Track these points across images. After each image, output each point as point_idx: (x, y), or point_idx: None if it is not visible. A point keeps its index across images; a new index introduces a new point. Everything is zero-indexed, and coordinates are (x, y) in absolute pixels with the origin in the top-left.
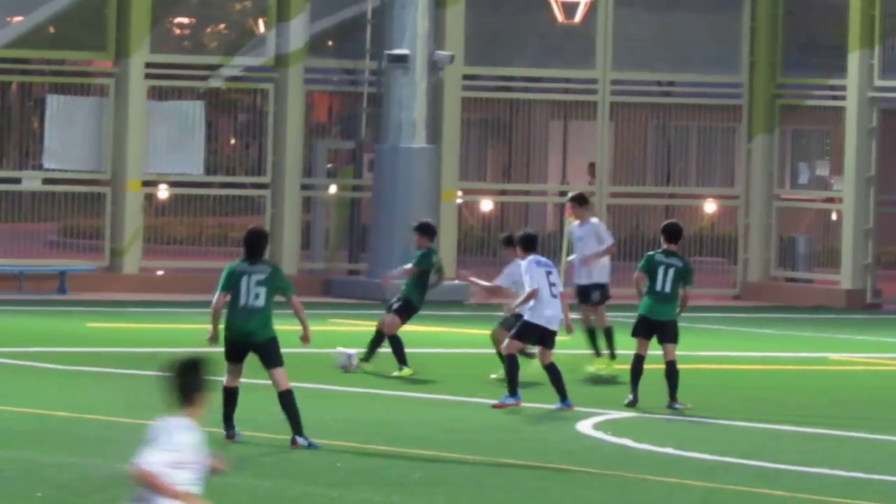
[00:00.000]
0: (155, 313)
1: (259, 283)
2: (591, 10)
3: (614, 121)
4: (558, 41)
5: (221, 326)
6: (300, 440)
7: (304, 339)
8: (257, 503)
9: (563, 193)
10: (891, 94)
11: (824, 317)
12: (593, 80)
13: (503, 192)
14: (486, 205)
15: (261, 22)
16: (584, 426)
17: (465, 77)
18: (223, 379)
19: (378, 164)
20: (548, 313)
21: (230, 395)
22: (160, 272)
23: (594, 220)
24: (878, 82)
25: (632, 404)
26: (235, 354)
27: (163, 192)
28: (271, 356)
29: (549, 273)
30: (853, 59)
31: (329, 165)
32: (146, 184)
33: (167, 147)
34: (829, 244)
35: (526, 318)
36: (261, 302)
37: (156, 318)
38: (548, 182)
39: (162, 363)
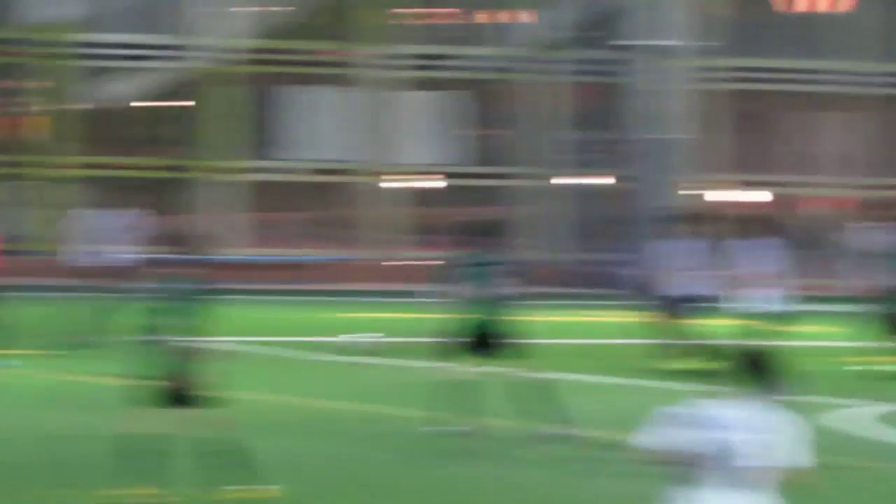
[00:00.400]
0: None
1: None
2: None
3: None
4: (810, 30)
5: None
6: None
7: None
8: None
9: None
10: None
11: None
12: (859, 73)
13: (762, 183)
14: (747, 197)
15: (513, 12)
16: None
17: (730, 69)
18: None
19: (631, 156)
20: None
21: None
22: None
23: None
24: None
25: None
26: None
27: (412, 184)
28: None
29: None
30: None
31: (582, 156)
32: (396, 174)
33: (414, 138)
34: None
35: None
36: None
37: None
38: (818, 175)
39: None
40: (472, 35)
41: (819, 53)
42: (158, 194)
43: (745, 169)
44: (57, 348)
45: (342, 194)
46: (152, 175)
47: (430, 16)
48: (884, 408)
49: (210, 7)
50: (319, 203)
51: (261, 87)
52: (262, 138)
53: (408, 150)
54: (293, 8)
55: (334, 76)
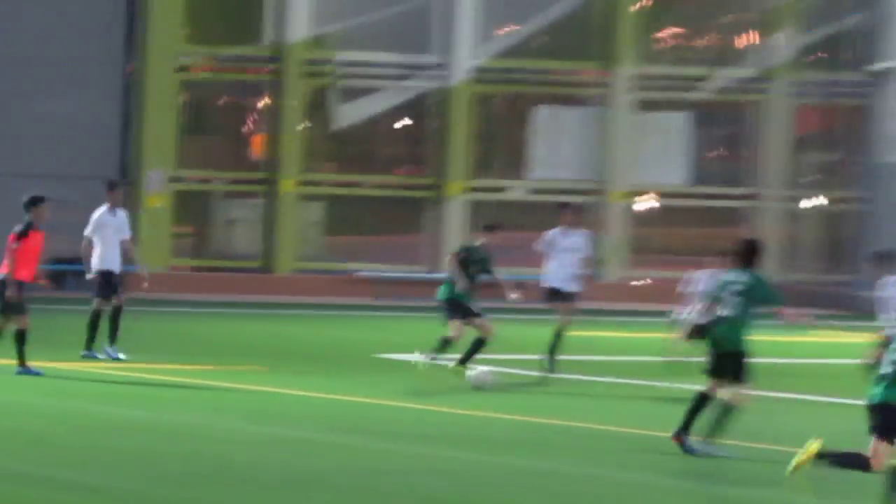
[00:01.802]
0: (637, 322)
1: (737, 293)
2: None
3: None
4: None
5: None
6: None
7: None
8: None
9: None
10: None
11: None
12: None
13: None
14: None
15: (748, 34)
16: None
17: None
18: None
19: (865, 177)
20: None
21: (702, 401)
22: (639, 281)
23: None
24: None
25: None
26: (714, 368)
27: (649, 202)
28: (739, 368)
29: None
30: None
31: (811, 177)
32: (632, 193)
33: (653, 158)
34: None
35: None
36: (737, 312)
37: (637, 327)
38: None
39: None
40: (725, 56)
41: None
42: (412, 212)
43: None
44: None
45: (588, 212)
46: (406, 194)
47: (685, 38)
48: None
49: (468, 26)
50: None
51: (518, 106)
52: (518, 157)
53: (656, 170)
54: (534, 28)
55: (588, 96)
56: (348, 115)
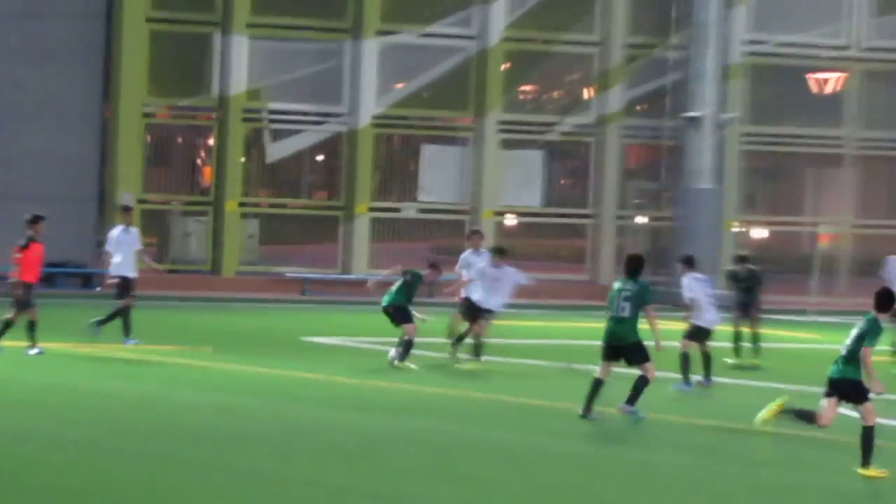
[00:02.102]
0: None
1: (626, 298)
2: (841, 84)
3: (858, 169)
4: (816, 107)
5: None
6: (627, 408)
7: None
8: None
9: (815, 225)
10: None
11: None
12: (841, 137)
13: (769, 223)
14: (758, 232)
15: (588, 89)
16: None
17: (744, 135)
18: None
19: (676, 200)
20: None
21: (598, 384)
22: None
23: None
24: None
25: None
26: (607, 354)
27: (510, 220)
28: (638, 355)
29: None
30: None
31: (636, 200)
32: (497, 213)
33: (514, 185)
34: None
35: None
36: (626, 313)
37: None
38: (805, 215)
39: None
40: (570, 106)
41: (816, 123)
42: (328, 227)
43: (764, 212)
44: None
45: (458, 228)
46: (323, 213)
47: (539, 92)
48: None
49: (370, 83)
50: (442, 233)
51: (409, 144)
52: (410, 184)
53: (517, 194)
54: (419, 84)
55: (463, 137)
56: (277, 151)
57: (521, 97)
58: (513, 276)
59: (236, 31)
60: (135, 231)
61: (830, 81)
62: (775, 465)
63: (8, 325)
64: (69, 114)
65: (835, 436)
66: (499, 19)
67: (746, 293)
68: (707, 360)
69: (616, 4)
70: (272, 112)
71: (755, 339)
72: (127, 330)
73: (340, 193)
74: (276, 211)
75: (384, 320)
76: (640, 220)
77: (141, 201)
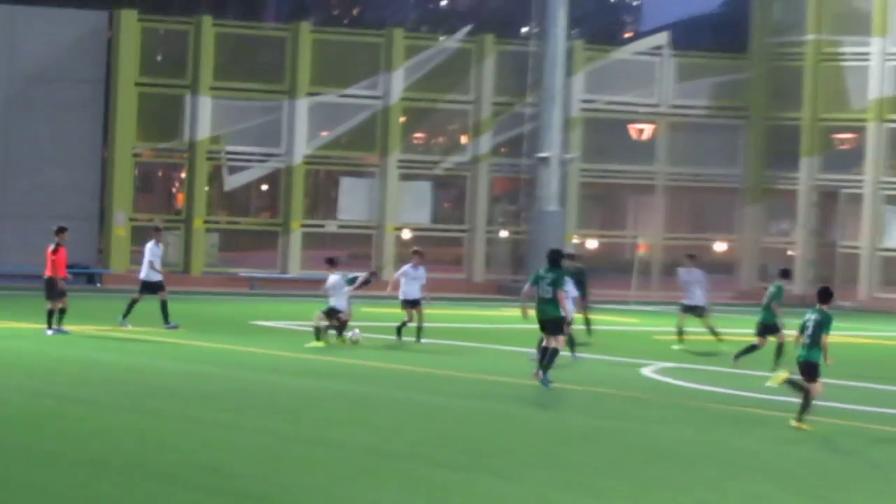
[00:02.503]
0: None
1: (548, 284)
2: (653, 132)
3: (666, 196)
4: (634, 149)
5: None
6: (542, 375)
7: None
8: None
9: (635, 237)
10: (826, 183)
11: (784, 310)
12: (654, 172)
13: (601, 236)
14: (591, 243)
15: (465, 135)
16: (646, 371)
17: (581, 169)
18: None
19: (530, 219)
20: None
21: (543, 351)
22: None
23: (696, 269)
24: (818, 175)
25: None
26: (541, 328)
27: (406, 234)
28: (556, 328)
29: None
30: (804, 162)
31: (501, 219)
32: (396, 228)
33: (409, 207)
34: (788, 268)
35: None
36: (549, 294)
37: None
38: (627, 230)
39: None
40: (452, 149)
41: (638, 161)
42: (271, 239)
43: (596, 228)
44: None
45: (367, 239)
46: (268, 228)
47: (428, 137)
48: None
49: (302, 130)
50: (355, 244)
51: (331, 177)
52: (332, 207)
53: (412, 214)
54: (339, 132)
55: (372, 171)
56: (232, 182)
57: (415, 142)
58: (424, 274)
59: (202, 93)
60: (161, 246)
61: (645, 130)
62: (614, 418)
63: (63, 312)
64: (77, 154)
65: (706, 403)
66: (398, 84)
67: (576, 286)
68: (570, 340)
69: (486, 72)
70: (229, 153)
71: (587, 322)
72: (165, 316)
73: (280, 213)
74: (231, 226)
75: (313, 308)
76: (504, 233)
77: (131, 219)
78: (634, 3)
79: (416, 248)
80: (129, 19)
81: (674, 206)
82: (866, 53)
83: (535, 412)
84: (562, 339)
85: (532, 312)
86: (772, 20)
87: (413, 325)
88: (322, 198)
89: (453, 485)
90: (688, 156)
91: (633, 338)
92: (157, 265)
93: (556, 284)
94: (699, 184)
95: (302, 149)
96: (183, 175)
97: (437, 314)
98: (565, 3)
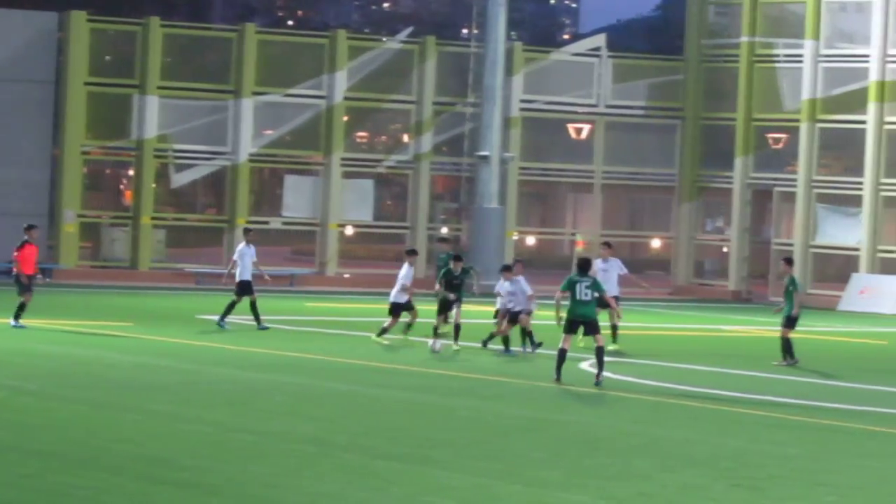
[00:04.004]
0: (346, 298)
1: (587, 287)
2: (591, 132)
3: (603, 194)
4: (572, 148)
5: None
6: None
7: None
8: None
9: (573, 234)
10: (760, 181)
11: (719, 305)
12: (592, 171)
13: (540, 233)
14: (530, 240)
15: (407, 135)
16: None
17: (520, 168)
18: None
19: (471, 216)
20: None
21: (563, 354)
22: (346, 275)
23: (614, 259)
24: (752, 174)
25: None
26: (572, 328)
27: (349, 230)
28: (595, 328)
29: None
30: (738, 161)
31: (442, 216)
32: (340, 225)
33: (352, 205)
34: (723, 265)
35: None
36: (588, 297)
37: (346, 300)
38: (565, 228)
39: None
40: (394, 148)
41: (576, 160)
42: (216, 235)
43: (535, 224)
44: None
45: (311, 236)
46: (213, 224)
47: (371, 137)
48: None
49: (247, 129)
50: (299, 240)
51: (276, 175)
52: (276, 204)
53: (355, 212)
54: (284, 131)
55: (316, 169)
56: (179, 179)
57: (358, 141)
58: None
59: (150, 92)
60: (253, 248)
61: (583, 130)
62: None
63: (22, 307)
64: (28, 153)
65: (643, 396)
66: (341, 84)
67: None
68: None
69: (427, 73)
70: (176, 151)
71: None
72: (257, 320)
73: (225, 210)
74: (178, 223)
75: (259, 304)
76: (445, 230)
77: (80, 216)
78: (572, 6)
79: (410, 248)
80: (79, 20)
81: (611, 204)
82: (799, 56)
83: (474, 404)
84: (600, 336)
85: (563, 314)
86: (706, 23)
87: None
88: (267, 195)
89: (395, 475)
90: (625, 155)
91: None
92: (249, 266)
93: (596, 288)
94: (636, 182)
95: (247, 147)
96: (131, 173)
97: (380, 309)
98: (505, 5)
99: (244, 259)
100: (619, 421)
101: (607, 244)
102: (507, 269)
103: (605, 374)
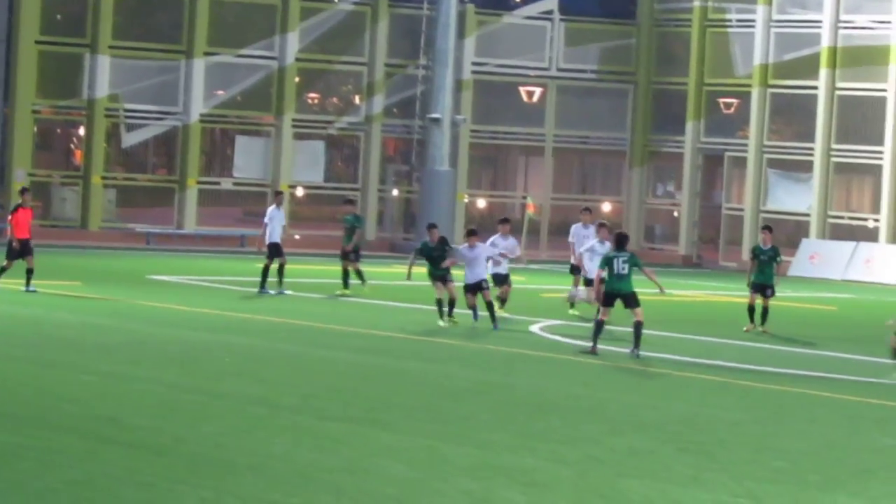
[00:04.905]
0: (296, 259)
1: (624, 262)
2: (542, 96)
3: (555, 158)
4: (524, 112)
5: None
6: (637, 352)
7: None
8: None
9: (524, 198)
10: (711, 146)
11: (669, 270)
12: (543, 134)
13: (491, 196)
14: (481, 203)
15: (358, 97)
16: (535, 328)
17: (472, 131)
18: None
19: (422, 179)
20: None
21: (600, 325)
22: (297, 236)
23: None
24: (703, 139)
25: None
26: (609, 301)
27: (300, 192)
28: (634, 301)
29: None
30: (689, 126)
31: (394, 178)
32: (291, 186)
33: (303, 166)
34: (673, 229)
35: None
36: (626, 271)
37: (296, 261)
38: (516, 191)
39: None
40: (345, 109)
41: (528, 124)
42: (167, 195)
43: (485, 187)
44: None
45: (262, 197)
46: (164, 185)
47: (322, 98)
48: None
49: (199, 89)
50: (249, 202)
51: (227, 135)
52: (227, 165)
53: (305, 173)
54: (235, 91)
55: (267, 131)
56: (130, 139)
57: (309, 102)
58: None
59: (101, 52)
60: (283, 210)
61: (535, 93)
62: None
63: (3, 270)
64: None
65: (591, 360)
66: (293, 45)
67: (348, 235)
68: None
69: (379, 35)
70: (127, 111)
71: (358, 274)
72: (279, 280)
73: (176, 171)
74: (129, 183)
75: (208, 263)
76: (395, 192)
77: (31, 175)
78: None
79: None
80: None
81: (562, 168)
82: (751, 20)
83: (424, 367)
84: (640, 310)
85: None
86: None
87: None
88: (217, 156)
89: (343, 436)
90: (576, 119)
91: (522, 295)
92: (279, 229)
93: (634, 262)
94: (587, 146)
95: (198, 108)
96: (81, 132)
97: (330, 270)
98: None
99: (273, 222)
100: (569, 384)
101: (588, 210)
102: (471, 235)
103: (557, 337)
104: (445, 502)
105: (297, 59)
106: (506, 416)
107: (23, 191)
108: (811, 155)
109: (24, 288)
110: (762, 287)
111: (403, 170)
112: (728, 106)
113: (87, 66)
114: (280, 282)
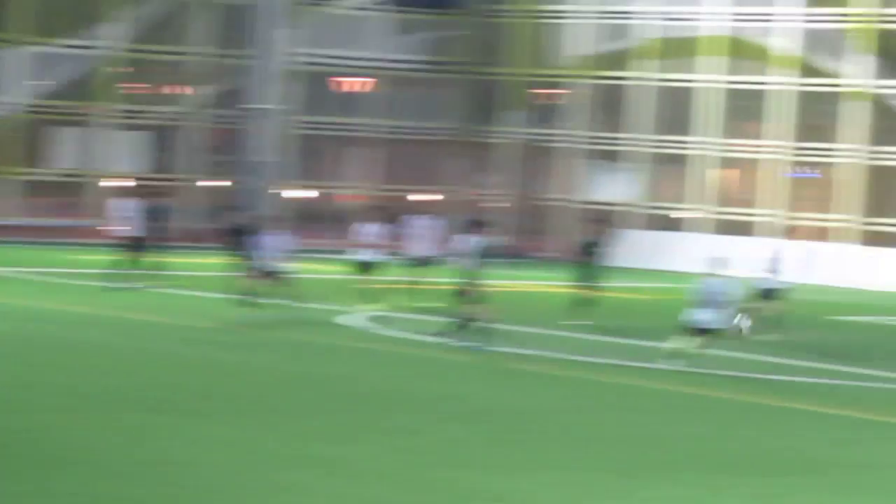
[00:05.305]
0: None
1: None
2: (370, 86)
3: (380, 148)
4: (347, 103)
5: None
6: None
7: None
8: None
9: (349, 189)
10: (533, 137)
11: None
12: (371, 125)
13: (315, 187)
14: (305, 194)
15: (181, 88)
16: (354, 319)
17: (297, 122)
18: None
19: (245, 169)
20: None
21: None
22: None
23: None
24: (525, 130)
25: None
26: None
27: (125, 183)
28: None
29: None
30: (511, 116)
31: (218, 168)
32: (116, 177)
33: (125, 157)
34: (497, 220)
35: None
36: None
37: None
38: (341, 182)
39: None
40: (169, 99)
41: (351, 114)
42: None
43: (306, 178)
44: None
45: (86, 188)
46: None
47: (146, 89)
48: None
49: (18, 77)
50: (70, 193)
51: (43, 126)
52: (39, 154)
53: (132, 162)
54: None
55: (86, 122)
56: None
57: (133, 92)
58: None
59: None
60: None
61: (361, 84)
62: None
63: None
64: None
65: (410, 350)
66: (118, 35)
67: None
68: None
69: (203, 25)
70: None
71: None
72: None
73: None
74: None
75: (23, 254)
76: (220, 183)
77: None
78: None
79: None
80: None
81: (387, 159)
82: (575, 12)
83: (242, 358)
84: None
85: None
86: None
87: None
88: (39, 146)
89: (154, 427)
90: (401, 109)
91: (341, 286)
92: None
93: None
94: (412, 137)
95: (20, 97)
96: None
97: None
98: None
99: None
100: (385, 375)
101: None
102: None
103: (376, 327)
104: (268, 493)
105: (125, 50)
106: (324, 406)
107: None
108: (634, 146)
109: None
110: (587, 278)
111: (226, 160)
112: (552, 97)
113: None
114: (134, 275)
